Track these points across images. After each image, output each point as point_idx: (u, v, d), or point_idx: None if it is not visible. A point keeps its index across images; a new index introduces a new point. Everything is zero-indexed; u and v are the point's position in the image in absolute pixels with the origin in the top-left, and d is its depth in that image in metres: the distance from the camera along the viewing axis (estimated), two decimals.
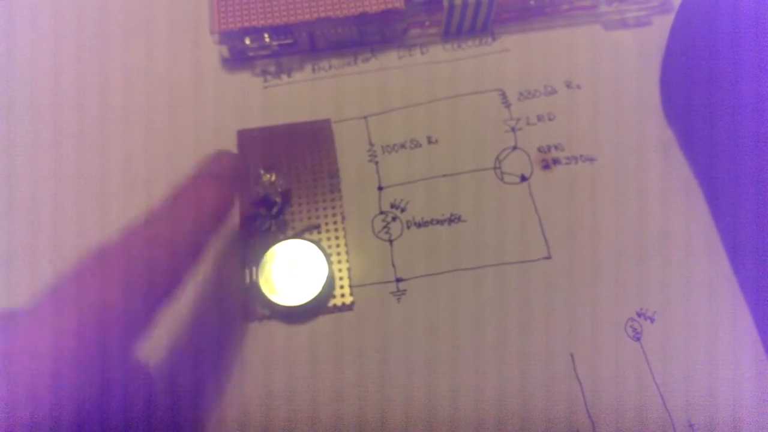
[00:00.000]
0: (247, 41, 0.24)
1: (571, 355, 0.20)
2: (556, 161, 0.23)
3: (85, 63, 0.25)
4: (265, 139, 0.23)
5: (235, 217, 0.22)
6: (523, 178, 0.23)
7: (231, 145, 0.23)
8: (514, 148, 0.23)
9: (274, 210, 0.22)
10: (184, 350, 0.20)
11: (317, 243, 0.21)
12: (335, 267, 0.21)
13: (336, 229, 0.22)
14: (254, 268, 0.21)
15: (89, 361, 0.14)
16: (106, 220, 0.22)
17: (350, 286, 0.21)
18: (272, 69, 0.25)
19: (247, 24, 0.23)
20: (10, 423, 0.14)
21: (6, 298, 0.20)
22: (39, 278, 0.20)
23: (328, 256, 0.21)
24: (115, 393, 0.15)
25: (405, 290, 0.21)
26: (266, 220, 0.21)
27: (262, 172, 0.22)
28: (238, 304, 0.21)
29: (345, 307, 0.21)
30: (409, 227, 0.22)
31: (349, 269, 0.21)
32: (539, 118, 0.24)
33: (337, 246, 0.21)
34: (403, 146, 0.23)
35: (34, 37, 0.25)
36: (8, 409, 0.14)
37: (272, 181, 0.22)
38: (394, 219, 0.22)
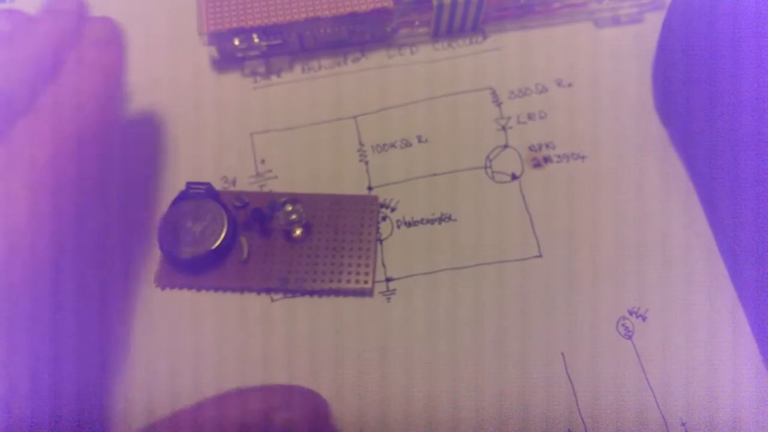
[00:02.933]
0: (236, 42, 0.24)
1: (563, 354, 0.20)
2: (547, 159, 0.23)
3: None
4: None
5: None
6: (514, 177, 0.22)
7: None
8: (505, 146, 0.23)
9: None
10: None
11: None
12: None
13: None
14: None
15: None
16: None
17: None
18: (262, 70, 0.25)
19: (235, 25, 0.23)
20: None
21: None
22: None
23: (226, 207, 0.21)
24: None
25: (395, 290, 0.21)
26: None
27: (287, 204, 0.21)
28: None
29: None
30: (399, 227, 0.22)
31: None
32: (530, 116, 0.24)
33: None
34: (393, 146, 0.23)
35: None
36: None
37: (295, 214, 0.21)
38: (384, 219, 0.22)
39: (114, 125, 0.19)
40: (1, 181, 0.16)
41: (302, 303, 0.21)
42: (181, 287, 0.21)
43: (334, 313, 0.20)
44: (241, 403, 0.17)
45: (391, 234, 0.22)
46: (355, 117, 0.24)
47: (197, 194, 0.21)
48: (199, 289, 0.21)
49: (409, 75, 0.25)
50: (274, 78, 0.25)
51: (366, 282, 0.20)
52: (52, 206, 0.17)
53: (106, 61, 0.19)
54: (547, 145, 0.23)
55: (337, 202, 0.22)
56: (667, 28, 0.23)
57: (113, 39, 0.20)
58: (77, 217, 0.17)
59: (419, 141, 0.23)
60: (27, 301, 0.15)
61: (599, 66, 0.25)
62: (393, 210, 0.22)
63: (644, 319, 0.20)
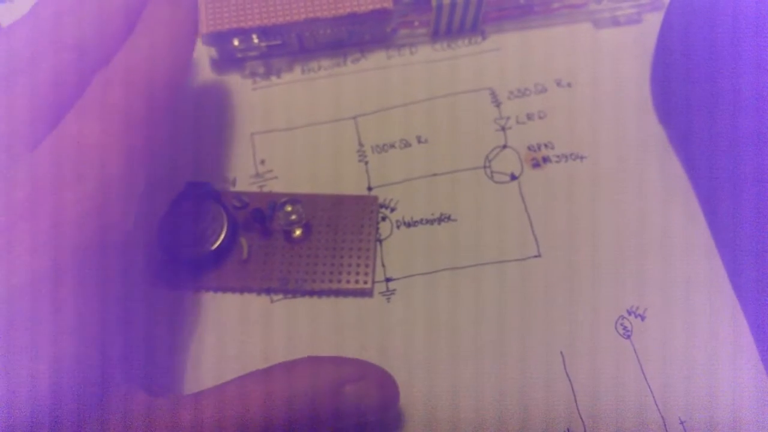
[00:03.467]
0: (236, 43, 0.24)
1: (561, 353, 0.20)
2: (546, 159, 0.23)
3: None
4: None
5: None
6: (513, 177, 0.23)
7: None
8: (504, 146, 0.23)
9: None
10: None
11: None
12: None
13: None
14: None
15: None
16: None
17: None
18: (261, 70, 0.25)
19: (235, 25, 0.23)
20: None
21: None
22: None
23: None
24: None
25: (394, 290, 0.21)
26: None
27: (286, 204, 0.21)
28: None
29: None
30: (398, 227, 0.22)
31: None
32: (529, 116, 0.24)
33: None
34: (392, 146, 0.23)
35: None
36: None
37: (295, 214, 0.21)
38: (383, 219, 0.22)
39: (182, 90, 0.19)
40: (78, 125, 0.16)
41: (302, 303, 0.21)
42: (180, 288, 0.21)
43: (334, 313, 0.21)
44: (312, 373, 0.17)
45: (390, 234, 0.22)
46: (354, 117, 0.24)
47: (197, 194, 0.21)
48: (198, 289, 0.21)
49: (408, 75, 0.25)
50: (273, 78, 0.25)
51: (366, 282, 0.20)
52: (124, 171, 0.16)
53: (178, 21, 0.19)
54: (546, 146, 0.23)
55: (337, 202, 0.22)
56: (665, 28, 0.23)
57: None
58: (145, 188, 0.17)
59: (419, 141, 0.23)
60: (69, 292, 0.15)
61: (598, 66, 0.25)
62: (392, 210, 0.22)
63: (643, 318, 0.20)
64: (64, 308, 0.15)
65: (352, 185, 0.23)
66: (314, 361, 0.18)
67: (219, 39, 0.23)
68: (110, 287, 0.16)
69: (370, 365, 0.18)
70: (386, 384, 0.18)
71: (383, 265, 0.21)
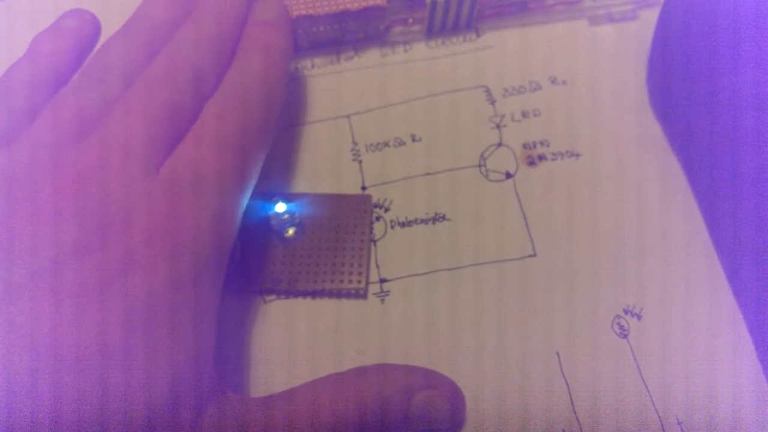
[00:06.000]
0: None
1: (557, 354, 0.19)
2: (541, 157, 0.23)
3: None
4: None
5: None
6: (509, 175, 0.22)
7: None
8: (499, 145, 0.23)
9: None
10: None
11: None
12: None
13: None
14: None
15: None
16: None
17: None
18: None
19: None
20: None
21: None
22: None
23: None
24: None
25: (389, 291, 0.21)
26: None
27: (280, 204, 0.21)
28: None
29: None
30: (393, 227, 0.22)
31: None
32: (524, 114, 0.23)
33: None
34: (386, 145, 0.23)
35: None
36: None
37: (288, 214, 0.21)
38: (377, 219, 0.22)
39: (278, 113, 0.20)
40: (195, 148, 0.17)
41: (295, 304, 0.20)
42: None
43: (327, 313, 0.20)
44: (383, 379, 0.17)
45: (384, 234, 0.21)
46: (348, 116, 0.24)
47: None
48: None
49: (402, 73, 0.24)
50: None
51: (359, 282, 0.20)
52: (237, 191, 0.17)
53: (277, 41, 0.20)
54: (541, 143, 0.23)
55: (331, 201, 0.22)
56: (662, 24, 0.23)
57: (281, 16, 0.21)
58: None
59: (413, 140, 0.23)
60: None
61: (594, 63, 0.24)
62: (387, 210, 0.22)
63: (639, 317, 0.20)
64: (183, 316, 0.15)
65: (345, 184, 0.22)
66: (385, 368, 0.18)
67: None
68: (218, 293, 0.17)
69: (439, 375, 0.18)
70: (455, 394, 0.18)
71: (377, 266, 0.21)
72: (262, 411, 0.16)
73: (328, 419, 0.16)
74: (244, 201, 0.18)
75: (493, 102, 0.24)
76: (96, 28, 0.20)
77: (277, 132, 0.21)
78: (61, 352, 0.14)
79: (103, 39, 0.19)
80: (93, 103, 0.17)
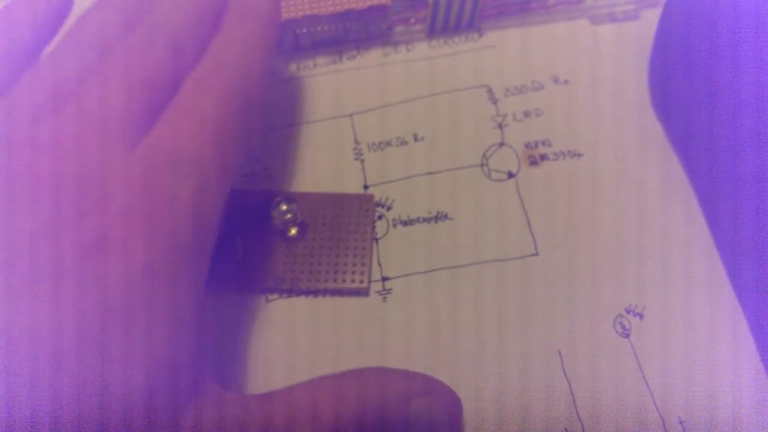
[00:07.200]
0: None
1: (559, 352, 0.20)
2: (543, 157, 0.23)
3: None
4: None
5: None
6: (510, 175, 0.22)
7: None
8: (501, 144, 0.23)
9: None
10: None
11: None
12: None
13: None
14: None
15: None
16: None
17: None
18: None
19: None
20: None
21: None
22: None
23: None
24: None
25: (391, 289, 0.21)
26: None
27: (282, 203, 0.21)
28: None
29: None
30: (395, 226, 0.22)
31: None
32: (526, 113, 0.23)
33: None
34: (389, 144, 0.23)
35: None
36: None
37: (291, 213, 0.21)
38: (380, 217, 0.22)
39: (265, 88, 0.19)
40: (172, 123, 0.16)
41: (298, 303, 0.20)
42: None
43: (330, 312, 0.20)
44: (382, 383, 0.17)
45: (387, 233, 0.22)
46: (351, 115, 0.24)
47: None
48: None
49: (405, 73, 0.24)
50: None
51: (362, 281, 0.20)
52: (217, 175, 0.17)
53: (267, 11, 0.19)
54: (543, 143, 0.23)
55: (333, 200, 0.22)
56: (663, 24, 0.23)
57: None
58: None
59: (415, 139, 0.23)
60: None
61: (596, 63, 0.24)
62: (389, 209, 0.22)
63: (641, 317, 0.20)
64: (160, 307, 0.15)
65: (348, 183, 0.22)
66: (384, 371, 0.18)
67: None
68: (200, 287, 0.16)
69: (437, 382, 0.18)
70: (453, 402, 0.18)
71: (379, 264, 0.21)
72: (261, 410, 0.16)
73: (328, 419, 0.16)
74: (226, 182, 0.17)
75: (495, 101, 0.24)
76: None
77: (265, 111, 0.20)
78: (36, 338, 0.13)
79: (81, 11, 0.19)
80: (70, 75, 0.16)
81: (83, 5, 0.18)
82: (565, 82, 0.24)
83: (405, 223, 0.22)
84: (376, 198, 0.22)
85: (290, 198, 0.21)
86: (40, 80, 0.16)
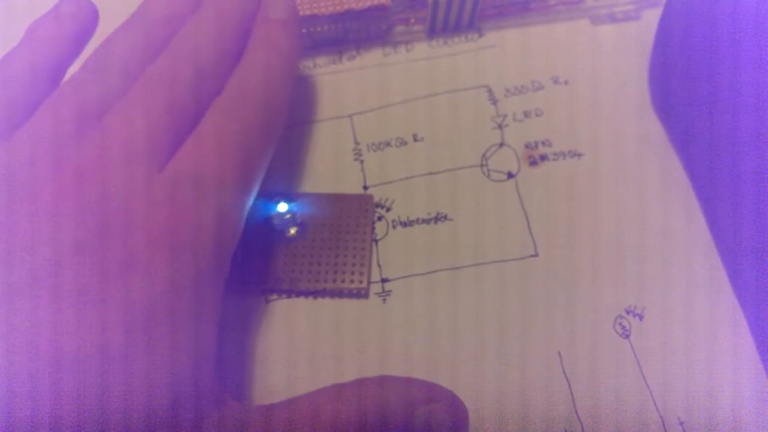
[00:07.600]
0: None
1: (559, 353, 0.19)
2: (543, 157, 0.23)
3: None
4: None
5: None
6: (510, 175, 0.22)
7: None
8: (501, 144, 0.23)
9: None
10: None
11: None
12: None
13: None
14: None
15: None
16: None
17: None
18: None
19: None
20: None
21: None
22: None
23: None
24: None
25: (390, 291, 0.21)
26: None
27: (281, 203, 0.21)
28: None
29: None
30: (394, 227, 0.22)
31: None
32: (526, 114, 0.23)
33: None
34: (388, 144, 0.23)
35: None
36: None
37: (290, 213, 0.21)
38: (379, 218, 0.22)
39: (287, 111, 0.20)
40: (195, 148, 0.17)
41: (297, 303, 0.20)
42: None
43: (330, 313, 0.20)
44: (384, 392, 0.17)
45: (386, 234, 0.21)
46: (350, 115, 0.24)
47: None
48: None
49: (404, 73, 0.24)
50: None
51: (361, 282, 0.20)
52: (238, 196, 0.17)
53: (289, 38, 0.20)
54: (543, 143, 0.23)
55: (333, 201, 0.22)
56: (664, 24, 0.23)
57: (291, 16, 0.20)
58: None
59: (415, 139, 0.23)
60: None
61: (596, 63, 0.24)
62: (388, 210, 0.22)
63: (641, 318, 0.20)
64: (182, 318, 0.15)
65: (347, 184, 0.22)
66: (385, 380, 0.18)
67: None
68: (219, 301, 0.17)
69: (440, 388, 0.18)
70: (457, 407, 0.18)
71: (379, 266, 0.21)
72: (263, 419, 0.16)
73: (329, 429, 0.16)
74: (248, 203, 0.18)
75: (494, 102, 0.24)
76: (94, 15, 0.19)
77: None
78: (60, 353, 0.14)
79: (105, 34, 0.19)
80: (93, 100, 0.17)
81: (106, 25, 0.19)
82: (565, 82, 0.24)
83: (405, 224, 0.22)
84: (376, 199, 0.22)
85: (290, 198, 0.21)
86: (64, 103, 0.17)
